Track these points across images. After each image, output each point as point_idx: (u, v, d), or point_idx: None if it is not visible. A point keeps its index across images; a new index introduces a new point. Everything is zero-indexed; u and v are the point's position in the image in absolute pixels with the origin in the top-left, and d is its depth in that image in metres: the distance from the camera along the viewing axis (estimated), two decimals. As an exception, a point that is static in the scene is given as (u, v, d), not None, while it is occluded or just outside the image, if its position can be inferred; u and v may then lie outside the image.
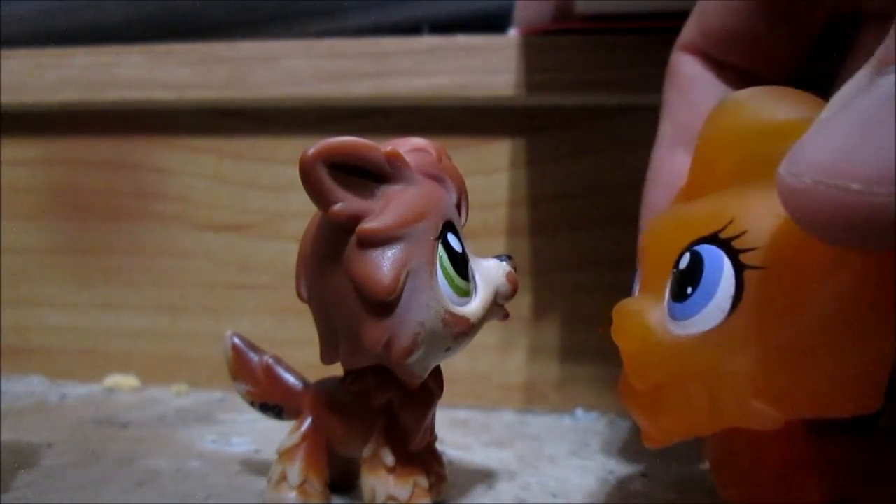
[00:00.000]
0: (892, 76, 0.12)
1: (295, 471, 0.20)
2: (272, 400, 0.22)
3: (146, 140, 0.34)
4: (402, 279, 0.17)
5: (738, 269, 0.15)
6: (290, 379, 0.22)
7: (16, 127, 0.35)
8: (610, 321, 0.17)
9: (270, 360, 0.23)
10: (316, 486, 0.21)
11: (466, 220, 0.20)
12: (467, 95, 0.31)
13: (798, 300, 0.14)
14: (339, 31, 0.35)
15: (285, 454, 0.21)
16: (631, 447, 0.27)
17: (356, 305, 0.17)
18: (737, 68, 0.22)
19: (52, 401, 0.32)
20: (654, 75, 0.24)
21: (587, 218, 0.31)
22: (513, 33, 0.31)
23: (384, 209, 0.17)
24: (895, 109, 0.12)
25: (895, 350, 0.14)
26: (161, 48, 0.33)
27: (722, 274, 0.15)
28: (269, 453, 0.22)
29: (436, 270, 0.18)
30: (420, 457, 0.20)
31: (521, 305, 0.32)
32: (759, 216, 0.15)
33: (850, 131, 0.12)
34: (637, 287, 0.18)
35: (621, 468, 0.25)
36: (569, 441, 0.28)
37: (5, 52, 0.33)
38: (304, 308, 0.20)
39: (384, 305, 0.17)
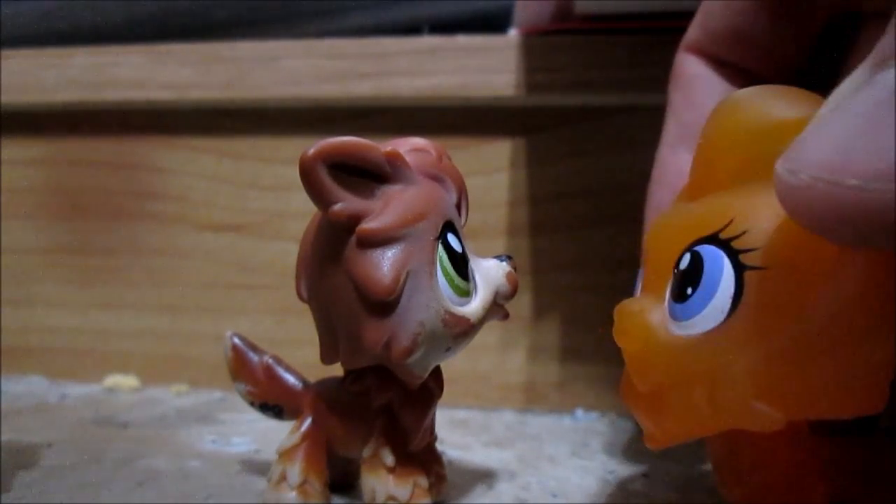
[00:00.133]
0: (890, 72, 0.12)
1: (295, 471, 0.20)
2: (272, 400, 0.22)
3: (146, 140, 0.34)
4: (402, 279, 0.17)
5: (739, 269, 0.15)
6: (290, 379, 0.22)
7: (16, 127, 0.35)
8: (611, 321, 0.17)
9: (270, 360, 0.23)
10: (316, 486, 0.21)
11: (466, 220, 0.20)
12: (467, 95, 0.31)
13: (798, 301, 0.14)
14: (339, 31, 0.35)
15: (285, 454, 0.21)
16: (632, 447, 0.27)
17: (356, 305, 0.17)
18: (741, 68, 0.22)
19: (52, 401, 0.32)
20: (653, 75, 0.24)
21: (587, 218, 0.31)
22: (513, 33, 0.31)
23: (384, 209, 0.17)
24: (893, 106, 0.12)
25: None
26: (161, 48, 0.33)
27: (722, 274, 0.15)
28: (269, 453, 0.22)
29: (436, 270, 0.18)
30: (420, 457, 0.20)
31: (521, 305, 0.32)
32: (760, 216, 0.15)
33: (847, 128, 0.12)
34: (639, 287, 0.18)
35: (622, 468, 0.25)
36: (569, 441, 0.28)
37: (5, 52, 0.33)
38: (304, 308, 0.20)
39: (384, 305, 0.17)
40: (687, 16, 0.22)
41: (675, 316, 0.16)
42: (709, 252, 0.15)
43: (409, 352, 0.18)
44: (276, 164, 0.33)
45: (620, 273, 0.30)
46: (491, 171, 0.32)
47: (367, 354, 0.18)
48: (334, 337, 0.19)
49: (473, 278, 0.19)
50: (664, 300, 0.16)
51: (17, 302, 0.36)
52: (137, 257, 0.35)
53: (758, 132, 0.16)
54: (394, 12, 0.38)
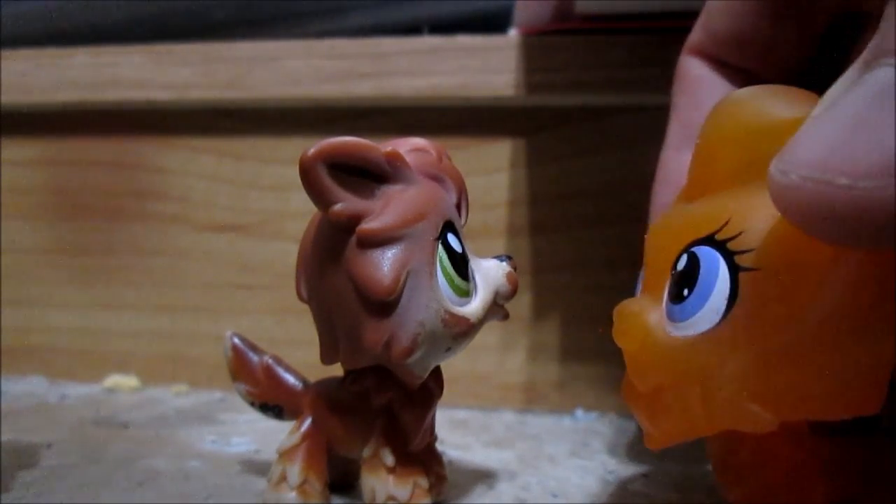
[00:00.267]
0: (879, 71, 0.12)
1: (295, 471, 0.20)
2: (272, 400, 0.22)
3: (146, 140, 0.34)
4: (402, 279, 0.17)
5: (734, 270, 0.15)
6: (290, 379, 0.22)
7: (16, 127, 0.35)
8: (611, 321, 0.17)
9: (270, 360, 0.23)
10: (316, 486, 0.21)
11: (466, 220, 0.20)
12: (467, 95, 0.31)
13: (793, 302, 0.14)
14: (339, 31, 0.35)
15: (285, 454, 0.21)
16: (631, 447, 0.27)
17: (356, 305, 0.17)
18: (743, 70, 0.22)
19: (52, 401, 0.32)
20: (654, 75, 0.24)
21: (587, 218, 0.31)
22: (513, 33, 0.31)
23: (384, 209, 0.17)
24: (882, 104, 0.12)
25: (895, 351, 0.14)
26: (161, 48, 0.33)
27: (718, 276, 0.15)
28: (269, 453, 0.22)
29: (436, 270, 0.18)
30: (420, 457, 0.20)
31: (521, 305, 0.32)
32: (756, 217, 0.15)
33: (837, 127, 0.12)
34: (640, 287, 0.18)
35: (622, 468, 0.25)
36: (569, 441, 0.28)
37: (5, 52, 0.33)
38: (304, 308, 0.20)
39: (384, 305, 0.17)
40: (687, 16, 0.22)
41: (672, 317, 0.16)
42: (705, 253, 0.15)
43: (409, 352, 0.18)
44: (276, 164, 0.33)
45: (620, 273, 0.30)
46: (491, 171, 0.32)
47: (367, 354, 0.18)
48: (334, 337, 0.19)
49: (473, 278, 0.19)
50: (663, 301, 0.16)
51: (17, 302, 0.36)
52: (137, 257, 0.35)
53: (755, 132, 0.16)
54: (394, 12, 0.38)
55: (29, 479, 0.23)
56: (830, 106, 0.13)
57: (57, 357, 0.35)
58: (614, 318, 0.17)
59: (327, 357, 0.19)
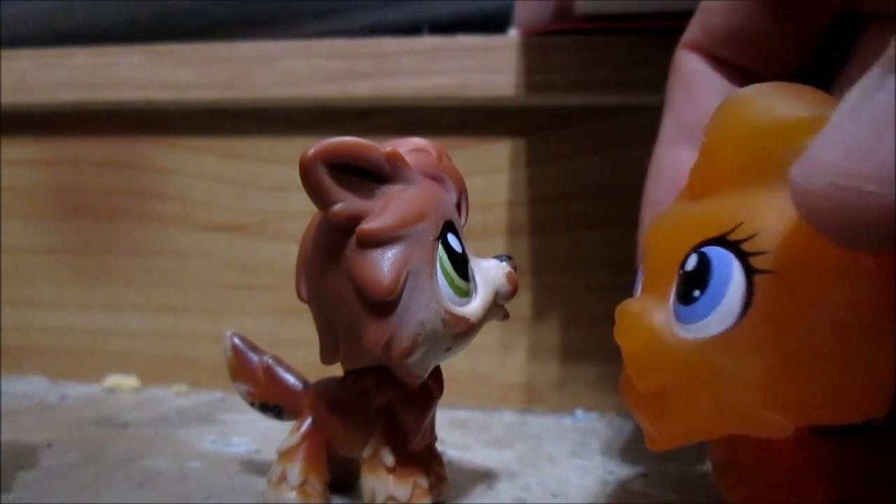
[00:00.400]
0: None
1: (295, 471, 0.20)
2: (272, 400, 0.22)
3: (146, 140, 0.34)
4: (402, 279, 0.17)
5: (749, 272, 0.15)
6: (290, 379, 0.22)
7: (16, 127, 0.35)
8: (611, 321, 0.17)
9: (270, 360, 0.23)
10: (316, 486, 0.21)
11: (466, 220, 0.20)
12: (467, 95, 0.31)
13: (811, 305, 0.14)
14: (339, 31, 0.35)
15: (285, 454, 0.21)
16: (631, 447, 0.27)
17: (356, 305, 0.17)
18: (740, 67, 0.22)
19: (52, 401, 0.32)
20: (654, 75, 0.24)
21: (587, 218, 0.31)
22: (513, 33, 0.31)
23: (384, 209, 0.17)
24: None
25: None
26: (161, 48, 0.33)
27: (731, 277, 0.15)
28: (269, 453, 0.22)
29: (436, 270, 0.18)
30: (420, 457, 0.20)
31: (521, 305, 0.32)
32: (770, 218, 0.14)
33: (863, 131, 0.12)
34: (639, 286, 0.18)
35: (621, 468, 0.25)
36: (569, 441, 0.28)
37: (5, 52, 0.33)
38: (304, 308, 0.20)
39: (384, 305, 0.17)
40: (687, 16, 0.22)
41: (680, 318, 0.16)
42: (717, 254, 0.15)
43: (409, 352, 0.18)
44: (276, 164, 0.33)
45: (620, 273, 0.30)
46: (491, 171, 0.32)
47: (367, 354, 0.18)
48: (334, 337, 0.19)
49: (473, 278, 0.19)
50: (667, 301, 0.16)
51: (17, 302, 0.36)
52: (137, 257, 0.35)
53: (764, 131, 0.15)
54: (394, 12, 0.38)
55: (29, 479, 0.23)
56: (853, 109, 0.12)
57: (57, 357, 0.35)
58: (616, 318, 0.17)
59: (327, 357, 0.19)
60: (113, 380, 0.34)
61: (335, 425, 0.21)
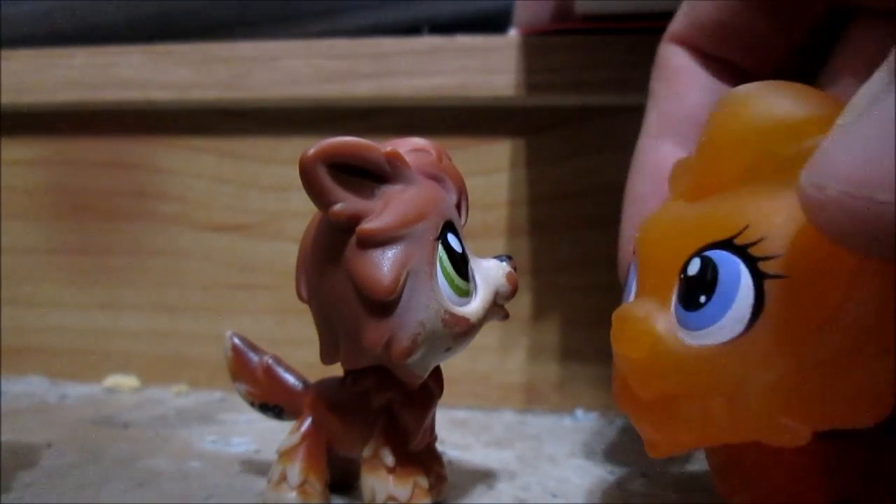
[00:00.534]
0: None
1: (295, 471, 0.20)
2: (272, 400, 0.22)
3: (146, 140, 0.34)
4: (402, 279, 0.17)
5: (758, 277, 0.14)
6: (290, 379, 0.22)
7: (16, 127, 0.35)
8: (610, 323, 0.17)
9: (270, 360, 0.23)
10: (316, 486, 0.21)
11: (466, 220, 0.20)
12: (467, 95, 0.31)
13: (824, 310, 0.14)
14: (339, 31, 0.35)
15: (285, 454, 0.21)
16: (631, 447, 0.27)
17: (356, 305, 0.17)
18: (726, 61, 0.21)
19: (52, 401, 0.32)
20: (654, 75, 0.24)
21: (587, 218, 0.31)
22: (513, 33, 0.31)
23: (384, 209, 0.17)
24: None
25: None
26: (161, 48, 0.33)
27: (740, 283, 0.14)
28: (269, 453, 0.22)
29: (436, 270, 0.18)
30: (420, 457, 0.20)
31: (521, 305, 0.32)
32: (777, 222, 0.14)
33: (872, 138, 0.12)
34: (633, 288, 0.18)
35: (621, 468, 0.25)
36: (569, 441, 0.28)
37: (5, 52, 0.33)
38: (304, 308, 0.20)
39: (384, 305, 0.17)
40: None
41: (685, 324, 0.15)
42: (723, 258, 0.15)
43: (409, 352, 0.18)
44: (276, 164, 0.33)
45: (620, 273, 0.30)
46: (491, 171, 0.32)
47: (367, 354, 0.18)
48: (334, 337, 0.19)
49: (473, 278, 0.19)
50: (668, 306, 0.16)
51: (17, 302, 0.36)
52: (137, 257, 0.35)
53: (765, 131, 0.15)
54: (394, 12, 0.38)
55: (29, 479, 0.23)
56: (862, 114, 0.12)
57: (57, 357, 0.35)
58: (614, 323, 0.17)
59: (327, 357, 0.19)
60: (113, 380, 0.34)
61: (335, 425, 0.21)
